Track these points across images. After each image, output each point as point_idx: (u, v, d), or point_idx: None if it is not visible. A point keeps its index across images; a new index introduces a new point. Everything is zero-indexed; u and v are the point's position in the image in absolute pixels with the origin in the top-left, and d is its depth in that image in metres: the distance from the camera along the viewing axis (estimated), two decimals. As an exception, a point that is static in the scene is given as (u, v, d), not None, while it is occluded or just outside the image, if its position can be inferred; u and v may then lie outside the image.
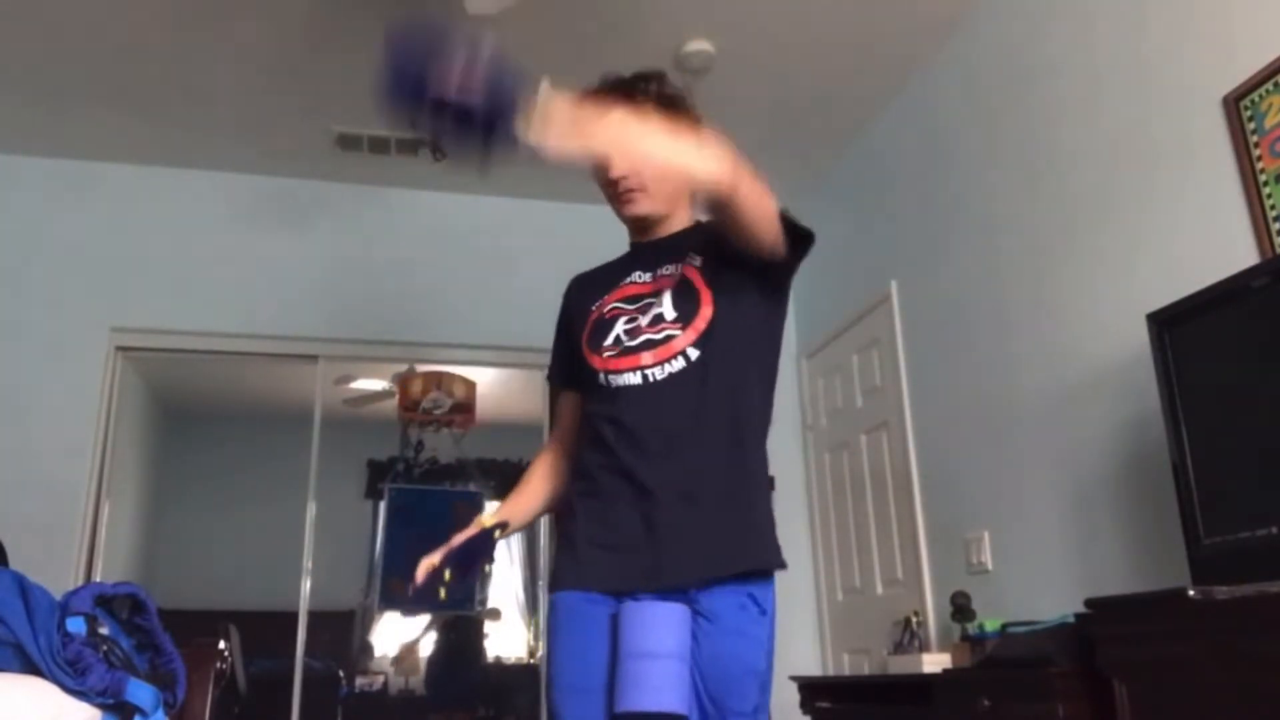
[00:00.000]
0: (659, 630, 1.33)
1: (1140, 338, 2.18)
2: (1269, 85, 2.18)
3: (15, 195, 4.03)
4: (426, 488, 6.31)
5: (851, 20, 3.36)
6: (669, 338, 1.47)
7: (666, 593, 1.37)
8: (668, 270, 1.55)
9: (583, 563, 1.46)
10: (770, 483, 1.58)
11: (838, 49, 3.52)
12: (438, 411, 5.60)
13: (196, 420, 6.19)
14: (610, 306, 1.57)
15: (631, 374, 1.48)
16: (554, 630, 1.46)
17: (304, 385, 4.33)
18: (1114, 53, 2.68)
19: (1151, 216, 2.50)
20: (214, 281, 4.13)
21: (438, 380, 5.55)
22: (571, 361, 1.64)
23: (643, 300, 1.54)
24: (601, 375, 1.51)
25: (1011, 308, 3.05)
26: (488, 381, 5.59)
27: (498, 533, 1.54)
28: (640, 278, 1.57)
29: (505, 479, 6.61)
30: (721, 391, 1.47)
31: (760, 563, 1.43)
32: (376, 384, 5.67)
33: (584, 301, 1.64)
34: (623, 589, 1.40)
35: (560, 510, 1.62)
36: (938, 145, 3.52)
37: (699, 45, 3.43)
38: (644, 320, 1.51)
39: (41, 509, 3.61)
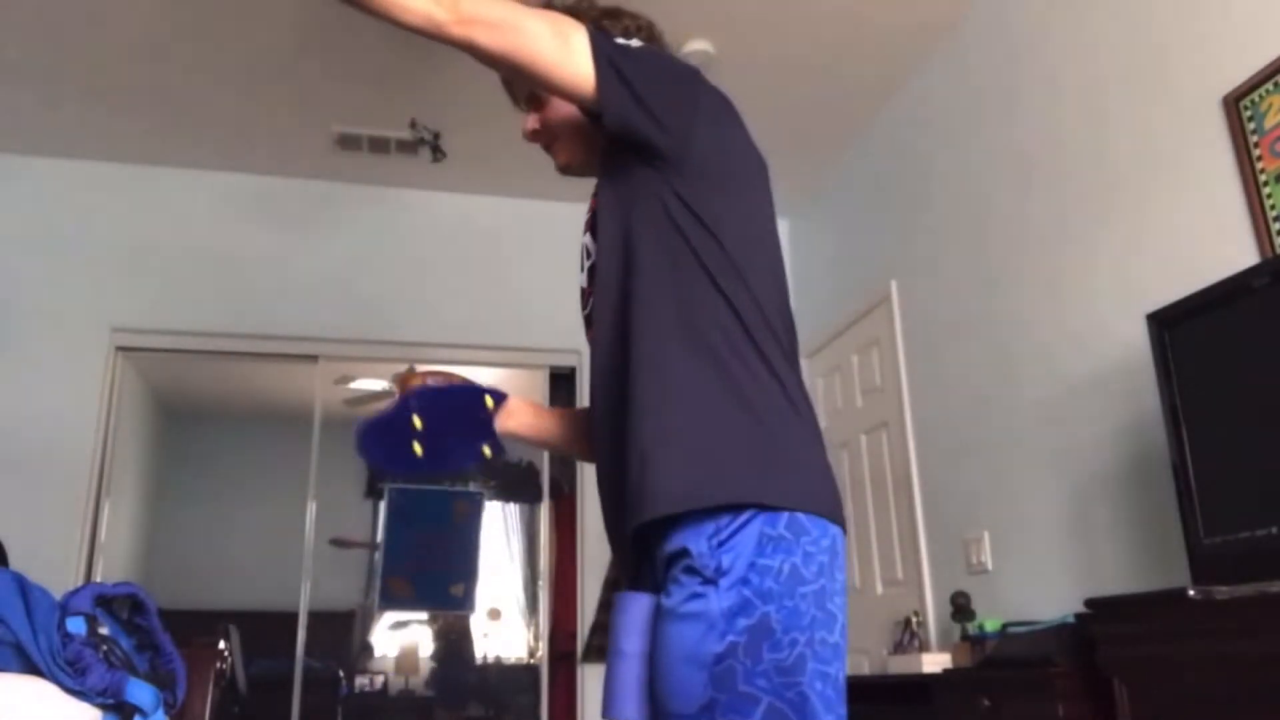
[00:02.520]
0: (622, 623, 1.11)
1: (1140, 338, 2.18)
2: (1269, 85, 2.18)
3: (15, 195, 4.03)
4: (427, 488, 6.30)
5: (852, 20, 3.36)
6: (593, 266, 1.28)
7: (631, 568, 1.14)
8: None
9: None
10: (743, 393, 1.13)
11: (838, 49, 3.52)
12: (438, 411, 5.59)
13: (196, 420, 6.18)
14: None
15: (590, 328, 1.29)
16: None
17: (304, 385, 4.33)
18: (1114, 53, 2.68)
19: (1151, 216, 2.50)
20: (214, 281, 4.13)
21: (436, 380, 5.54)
22: None
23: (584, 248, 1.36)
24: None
25: (1011, 308, 3.05)
26: (487, 381, 5.58)
27: (489, 399, 1.35)
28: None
29: (505, 479, 6.61)
30: (610, 288, 1.21)
31: (675, 502, 1.05)
32: (376, 384, 5.67)
33: None
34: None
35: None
36: (938, 145, 3.52)
37: (699, 45, 3.43)
38: (584, 274, 1.34)
39: (41, 509, 3.61)
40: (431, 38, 1.17)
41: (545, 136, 1.42)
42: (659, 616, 1.07)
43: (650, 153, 1.19)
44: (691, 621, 1.02)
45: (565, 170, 1.46)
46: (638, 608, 1.10)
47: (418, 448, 1.34)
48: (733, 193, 1.22)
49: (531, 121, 1.42)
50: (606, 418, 1.18)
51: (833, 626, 1.06)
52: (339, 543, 4.58)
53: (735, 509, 1.04)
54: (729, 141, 1.26)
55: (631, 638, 1.09)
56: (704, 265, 1.16)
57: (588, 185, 1.37)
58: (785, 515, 1.05)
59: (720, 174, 1.22)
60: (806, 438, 1.14)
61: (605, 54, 1.16)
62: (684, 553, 1.04)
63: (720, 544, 1.03)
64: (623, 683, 1.08)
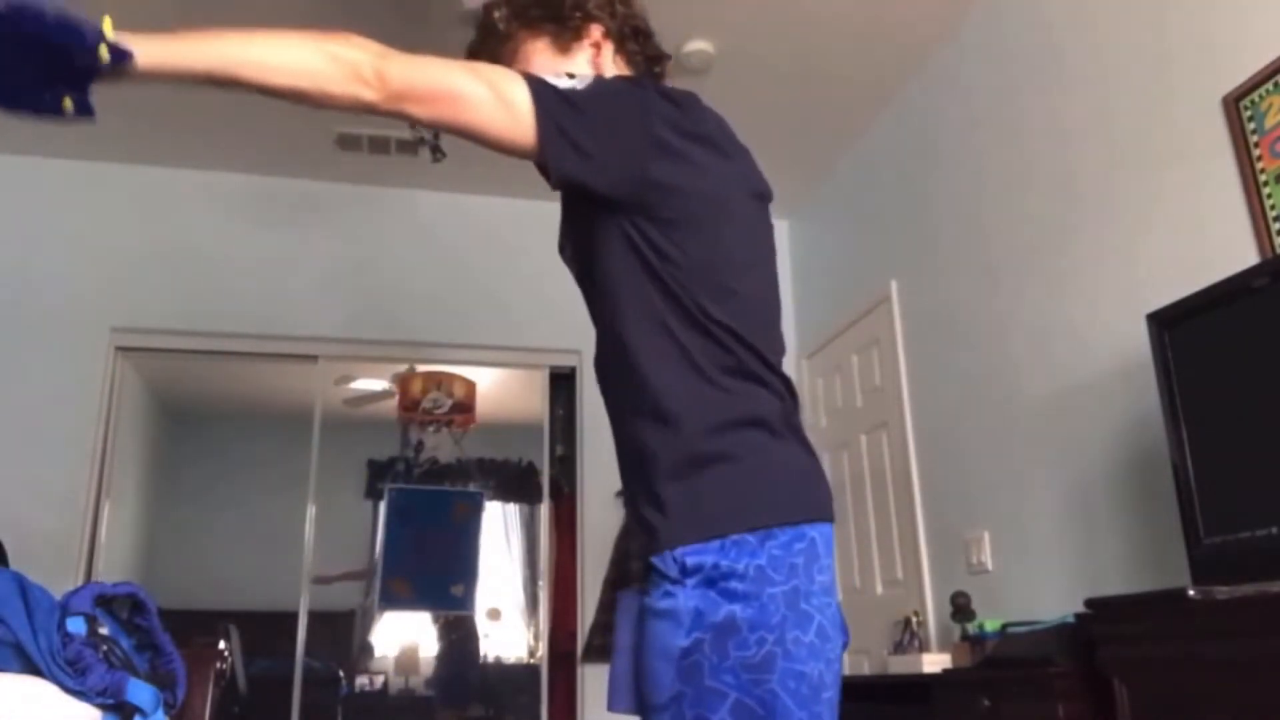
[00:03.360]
0: (619, 620, 1.20)
1: (1140, 338, 2.18)
2: (1269, 85, 2.18)
3: (15, 195, 4.03)
4: (426, 488, 6.30)
5: (852, 20, 3.36)
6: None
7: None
8: None
9: None
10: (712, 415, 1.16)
11: (838, 49, 3.52)
12: (438, 411, 5.59)
13: (196, 420, 6.18)
14: None
15: None
16: None
17: (304, 385, 4.33)
18: (1113, 53, 2.68)
19: (1151, 216, 2.50)
20: (214, 281, 4.13)
21: (438, 380, 5.54)
22: None
23: None
24: None
25: (1011, 308, 3.05)
26: (488, 382, 5.58)
27: (104, 50, 1.04)
28: None
29: (505, 479, 6.61)
30: (609, 326, 1.22)
31: (657, 545, 1.10)
32: (376, 384, 5.66)
33: None
34: None
35: None
36: (938, 145, 3.52)
37: (699, 45, 3.43)
38: None
39: (41, 509, 3.61)
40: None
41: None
42: (641, 613, 1.11)
43: (604, 202, 1.17)
44: (664, 618, 1.07)
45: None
46: (629, 605, 1.17)
47: None
48: (704, 227, 1.18)
49: None
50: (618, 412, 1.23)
51: (808, 626, 1.07)
52: (322, 580, 4.53)
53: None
54: (699, 174, 1.19)
55: (624, 633, 1.15)
56: (671, 301, 1.16)
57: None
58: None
59: (685, 211, 1.17)
60: (784, 455, 1.16)
61: (547, 110, 1.12)
62: (659, 558, 1.10)
63: (693, 551, 1.08)
64: (617, 675, 1.14)
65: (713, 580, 1.06)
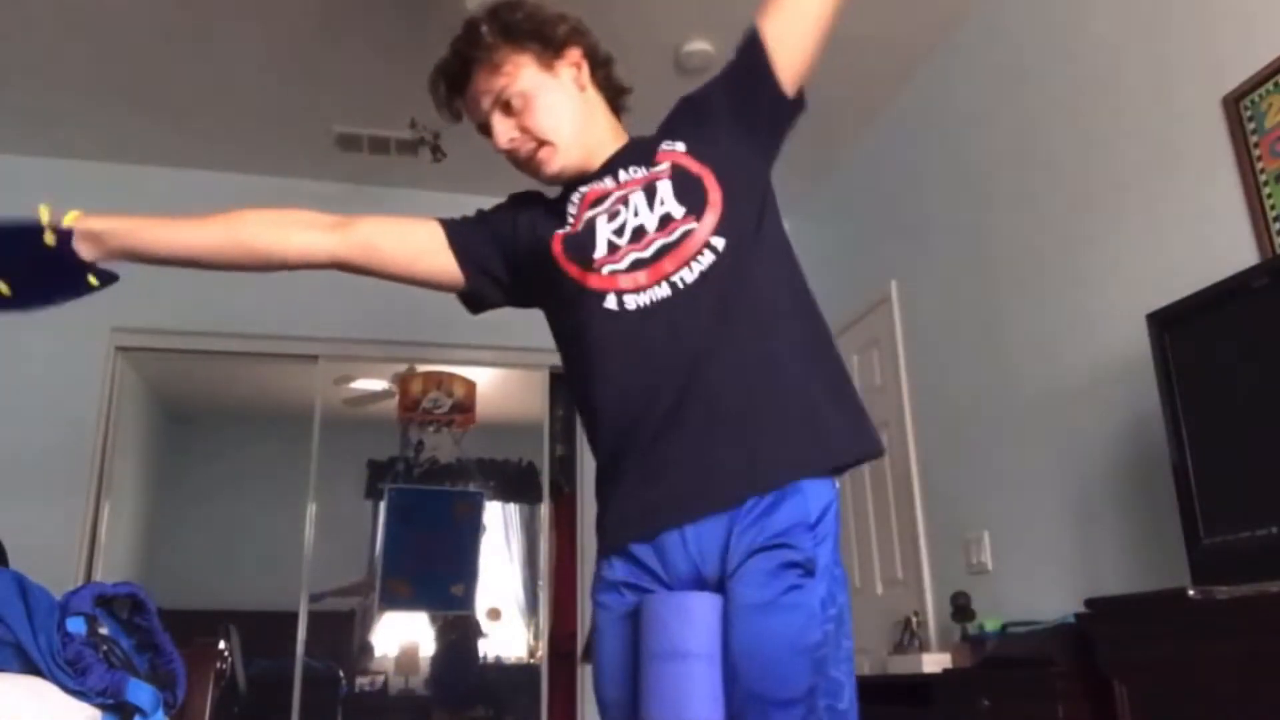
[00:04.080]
0: (683, 625, 1.11)
1: (1140, 338, 2.18)
2: (1269, 85, 2.18)
3: (15, 195, 4.02)
4: (426, 488, 6.30)
5: (852, 20, 3.34)
6: (687, 233, 1.24)
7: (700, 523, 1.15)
8: (638, 173, 1.33)
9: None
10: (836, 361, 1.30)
11: (838, 49, 3.50)
12: (438, 411, 5.59)
13: (196, 420, 6.18)
14: (585, 217, 1.34)
15: (658, 287, 1.23)
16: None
17: (304, 385, 4.33)
18: (1114, 52, 2.68)
19: (1151, 216, 2.50)
20: (214, 281, 4.10)
21: (438, 380, 5.55)
22: (480, 239, 1.51)
23: (618, 196, 1.32)
24: (610, 297, 1.26)
25: (1011, 308, 3.05)
26: (488, 381, 5.59)
27: (49, 234, 1.19)
28: (604, 184, 1.36)
29: (505, 479, 6.61)
30: (762, 273, 1.27)
31: (809, 464, 1.15)
32: (376, 384, 5.66)
33: (534, 222, 1.42)
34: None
35: None
36: (938, 146, 3.52)
37: (699, 45, 3.43)
38: (632, 220, 1.28)
39: (41, 509, 3.61)
40: None
41: (531, 147, 1.38)
42: (741, 613, 1.10)
43: (785, 122, 1.44)
44: (795, 611, 1.09)
45: (557, 178, 1.41)
46: (706, 608, 1.12)
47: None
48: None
49: (510, 132, 1.38)
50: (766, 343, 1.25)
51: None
52: (319, 597, 4.50)
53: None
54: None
55: (700, 639, 1.10)
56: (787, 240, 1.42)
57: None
58: (836, 508, 1.18)
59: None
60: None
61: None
62: (784, 545, 1.11)
63: (816, 538, 1.13)
64: (695, 684, 1.09)
65: (829, 571, 1.13)
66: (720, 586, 1.14)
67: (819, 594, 1.10)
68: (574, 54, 1.41)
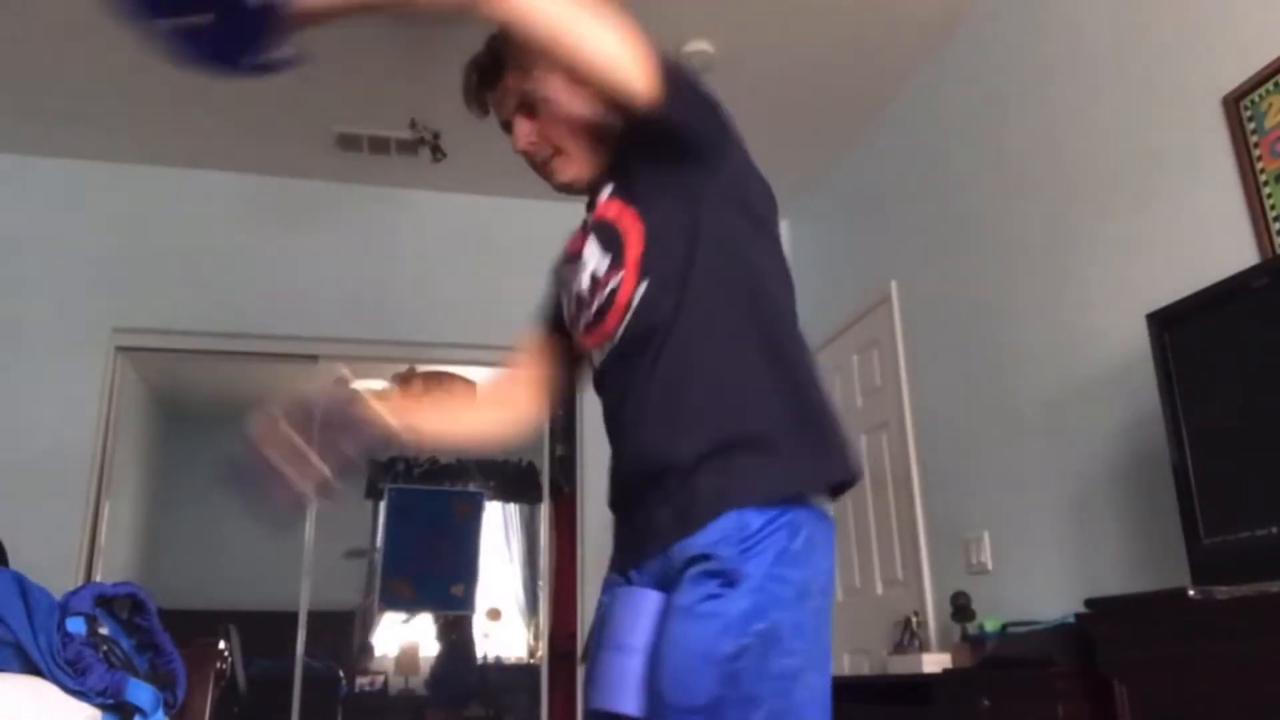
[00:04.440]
0: (626, 618, 1.15)
1: (1140, 338, 2.18)
2: (1269, 85, 2.18)
3: (15, 195, 4.03)
4: (426, 488, 6.31)
5: (852, 20, 3.37)
6: (613, 291, 1.25)
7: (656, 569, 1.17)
8: (588, 216, 1.37)
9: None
10: (801, 375, 1.22)
11: (838, 49, 3.52)
12: (438, 411, 5.60)
13: (196, 420, 6.18)
14: (568, 269, 1.39)
15: (608, 346, 1.27)
16: None
17: (304, 385, 4.33)
18: (1114, 53, 2.68)
19: (1151, 216, 2.50)
20: (214, 281, 4.13)
21: (438, 380, 5.55)
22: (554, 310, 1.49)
23: (580, 249, 1.34)
24: (595, 355, 1.32)
25: (1011, 308, 3.05)
26: (488, 382, 5.60)
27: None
28: (583, 227, 1.39)
29: (505, 479, 6.61)
30: (689, 316, 1.20)
31: (737, 498, 1.10)
32: (376, 384, 5.67)
33: (559, 282, 1.47)
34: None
35: None
36: (938, 145, 3.52)
37: (699, 45, 3.43)
38: (584, 279, 1.31)
39: (41, 509, 3.61)
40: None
41: (543, 149, 1.36)
42: (670, 614, 1.09)
43: (694, 150, 1.26)
44: (706, 619, 1.06)
45: (568, 188, 1.39)
46: (648, 604, 1.13)
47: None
48: None
49: (529, 135, 1.35)
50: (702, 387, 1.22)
51: (827, 639, 1.12)
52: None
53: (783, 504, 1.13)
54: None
55: (636, 633, 1.11)
56: (763, 241, 1.33)
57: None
58: (804, 531, 1.12)
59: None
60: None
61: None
62: (707, 557, 1.09)
63: (745, 551, 1.08)
64: (623, 676, 1.10)
65: (764, 587, 1.07)
66: None
67: (740, 606, 1.05)
68: None
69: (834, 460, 1.20)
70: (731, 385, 1.18)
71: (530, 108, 1.35)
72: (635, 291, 1.22)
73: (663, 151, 1.24)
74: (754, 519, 1.10)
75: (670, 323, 1.19)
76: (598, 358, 1.30)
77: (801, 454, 1.16)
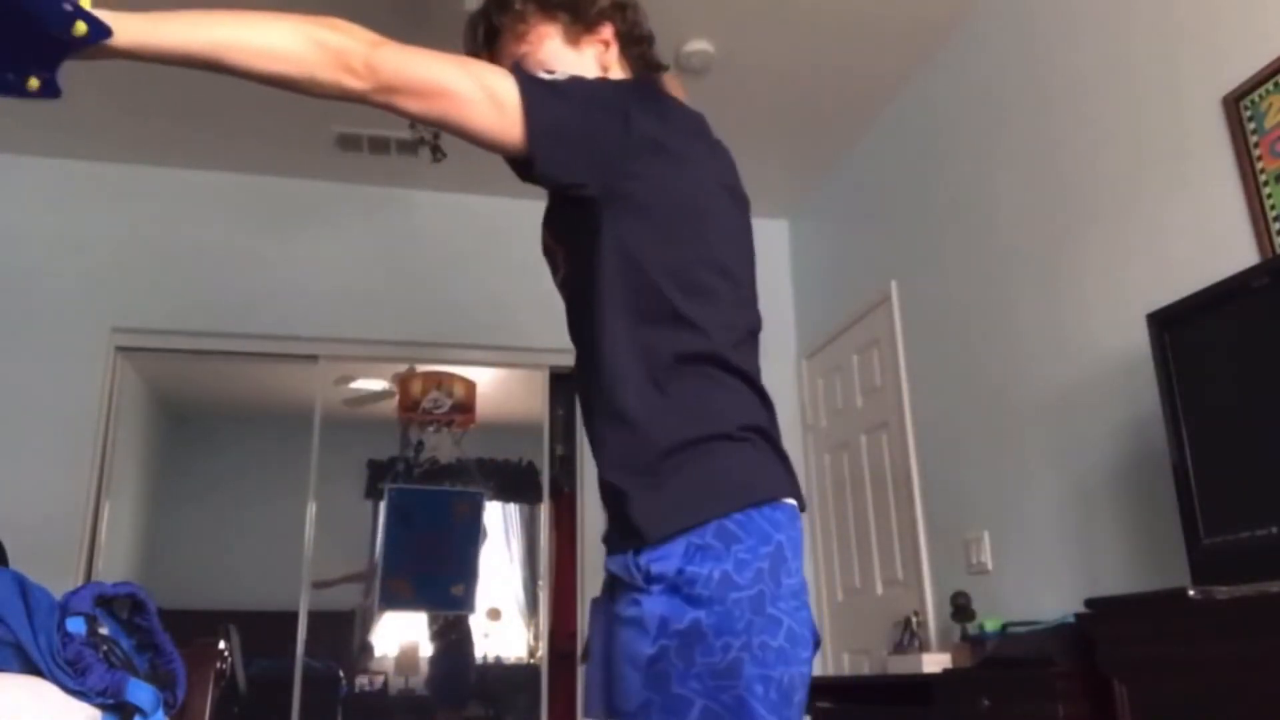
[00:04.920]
0: (592, 628, 1.18)
1: (1140, 338, 2.18)
2: (1269, 85, 2.18)
3: (15, 195, 4.03)
4: (426, 488, 6.30)
5: (852, 20, 3.37)
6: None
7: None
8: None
9: None
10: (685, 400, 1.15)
11: (837, 49, 3.52)
12: (438, 411, 5.59)
13: (196, 420, 6.18)
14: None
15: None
16: None
17: (304, 385, 4.33)
18: (1114, 53, 2.68)
19: (1151, 216, 2.50)
20: (214, 281, 4.13)
21: (438, 380, 5.55)
22: None
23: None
24: None
25: (1011, 308, 3.05)
26: (488, 381, 5.59)
27: (81, 24, 0.93)
28: None
29: (505, 479, 6.61)
30: (583, 323, 1.21)
31: (622, 541, 1.11)
32: (376, 384, 5.67)
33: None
34: None
35: None
36: (938, 145, 3.52)
37: (699, 45, 3.43)
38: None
39: (41, 509, 3.61)
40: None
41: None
42: (610, 621, 1.11)
43: (585, 199, 1.17)
44: (630, 626, 1.07)
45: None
46: (598, 613, 1.16)
47: None
48: (684, 223, 1.20)
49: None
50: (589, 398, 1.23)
51: (776, 631, 1.06)
52: (322, 584, 4.53)
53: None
54: (678, 169, 1.20)
55: (595, 641, 1.14)
56: (643, 297, 1.18)
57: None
58: (712, 525, 1.07)
59: (662, 208, 1.18)
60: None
61: (535, 107, 1.12)
62: (629, 560, 1.09)
63: (655, 558, 1.07)
64: (590, 683, 1.12)
65: (677, 587, 1.05)
66: None
67: (654, 609, 1.05)
68: (605, 31, 1.36)
69: (689, 507, 1.14)
70: (623, 411, 1.17)
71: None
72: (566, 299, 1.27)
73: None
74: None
75: (585, 343, 1.22)
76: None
77: (657, 502, 1.13)
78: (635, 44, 1.40)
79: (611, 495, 1.15)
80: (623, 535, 1.12)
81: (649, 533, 1.08)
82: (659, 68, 1.44)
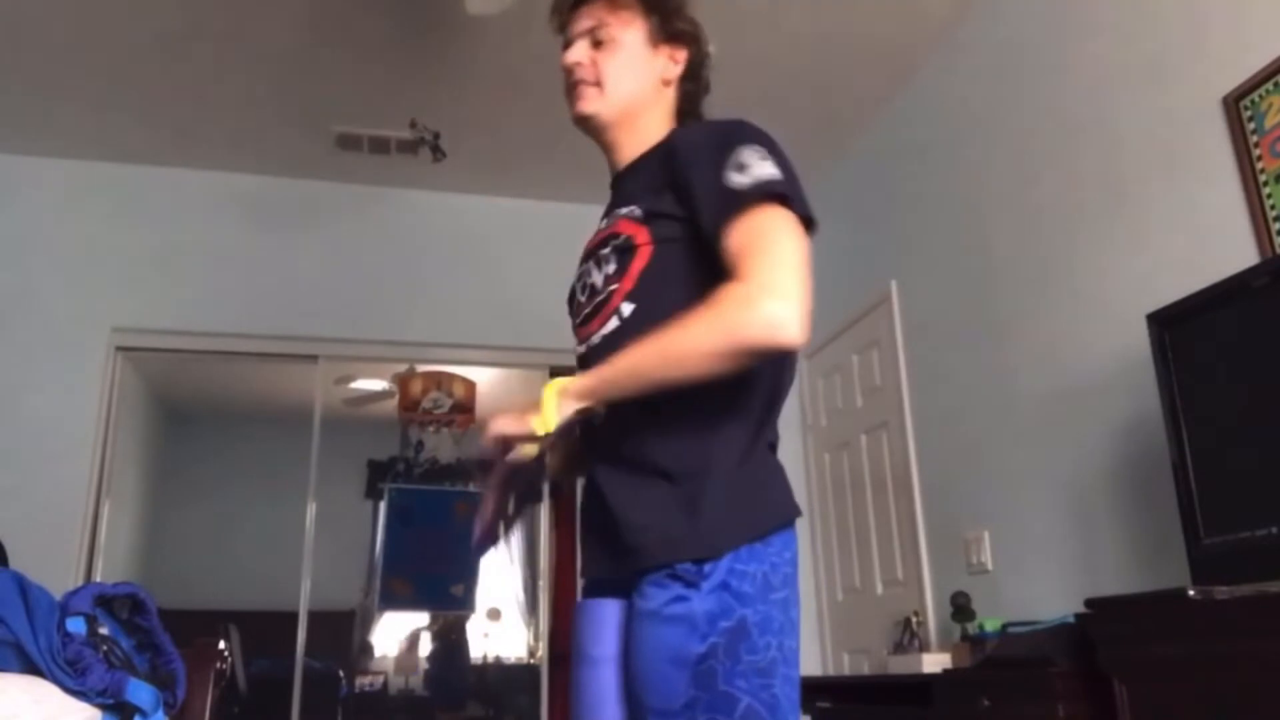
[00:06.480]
0: (591, 630, 1.18)
1: (1140, 338, 2.18)
2: (1269, 85, 2.18)
3: (15, 195, 4.03)
4: (426, 488, 6.30)
5: (852, 20, 3.36)
6: (609, 295, 1.28)
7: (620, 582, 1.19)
8: (621, 211, 1.34)
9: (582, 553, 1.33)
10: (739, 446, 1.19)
11: (838, 49, 3.52)
12: (438, 411, 5.59)
13: (196, 420, 6.18)
14: (579, 268, 1.39)
15: (585, 343, 1.31)
16: None
17: (304, 385, 4.33)
18: (1114, 53, 2.68)
19: (1151, 216, 2.50)
20: (214, 281, 4.13)
21: (438, 380, 5.55)
22: None
23: (594, 254, 1.34)
24: (580, 348, 1.34)
25: (1011, 308, 3.05)
26: (488, 381, 5.59)
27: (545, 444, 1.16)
28: (601, 224, 1.39)
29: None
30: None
31: (683, 553, 1.11)
32: (376, 384, 5.67)
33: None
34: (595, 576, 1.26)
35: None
36: (938, 145, 3.52)
37: (699, 45, 3.43)
38: (597, 278, 1.32)
39: (41, 509, 3.61)
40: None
41: (587, 72, 1.37)
42: (634, 619, 1.12)
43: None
44: (675, 624, 1.08)
45: (584, 123, 1.39)
46: (606, 614, 1.17)
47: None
48: None
49: (581, 56, 1.36)
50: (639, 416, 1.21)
51: (795, 634, 1.13)
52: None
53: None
54: None
55: (602, 643, 1.15)
56: None
57: (588, 186, 1.36)
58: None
59: None
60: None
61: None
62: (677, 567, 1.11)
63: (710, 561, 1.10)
64: (600, 689, 1.14)
65: (727, 584, 1.08)
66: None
67: (705, 606, 1.07)
68: (680, 53, 1.42)
69: (733, 527, 1.17)
70: (679, 427, 1.21)
71: (599, 40, 1.37)
72: (620, 305, 1.25)
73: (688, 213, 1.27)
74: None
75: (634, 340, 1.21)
76: (577, 347, 1.34)
77: (706, 520, 1.16)
78: (694, 80, 1.45)
79: (659, 497, 1.15)
80: (668, 535, 1.12)
81: (719, 542, 1.10)
82: (696, 115, 1.48)
